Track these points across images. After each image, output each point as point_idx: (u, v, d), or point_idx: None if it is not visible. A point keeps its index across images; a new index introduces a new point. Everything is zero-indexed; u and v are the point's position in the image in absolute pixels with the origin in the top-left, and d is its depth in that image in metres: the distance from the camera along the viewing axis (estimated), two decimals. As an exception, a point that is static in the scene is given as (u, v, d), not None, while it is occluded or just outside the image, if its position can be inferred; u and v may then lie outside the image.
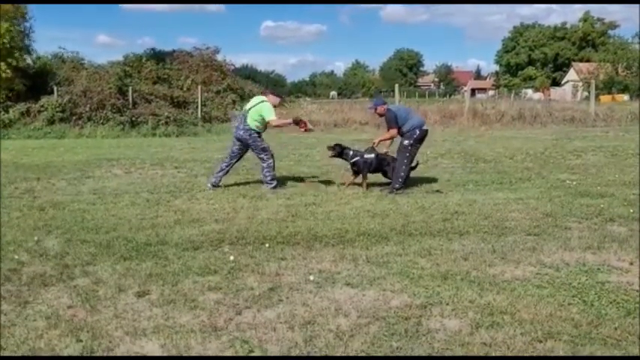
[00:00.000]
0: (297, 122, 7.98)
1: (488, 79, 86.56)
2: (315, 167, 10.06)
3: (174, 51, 29.54)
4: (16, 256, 4.56)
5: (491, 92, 66.35)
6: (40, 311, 3.49)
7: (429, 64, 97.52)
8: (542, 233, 5.21)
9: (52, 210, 6.43)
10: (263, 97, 7.96)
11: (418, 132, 7.54)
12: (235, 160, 8.00)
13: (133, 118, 20.52)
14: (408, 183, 7.66)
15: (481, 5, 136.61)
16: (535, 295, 3.65)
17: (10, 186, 8.18)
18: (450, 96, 61.99)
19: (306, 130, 8.12)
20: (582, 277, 3.98)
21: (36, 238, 5.11)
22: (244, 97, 25.78)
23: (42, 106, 20.88)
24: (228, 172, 8.03)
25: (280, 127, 8.79)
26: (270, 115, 7.63)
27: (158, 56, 28.74)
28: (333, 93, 77.03)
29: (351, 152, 7.92)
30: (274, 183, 7.73)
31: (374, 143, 7.91)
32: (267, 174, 7.75)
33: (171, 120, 20.63)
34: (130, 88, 22.00)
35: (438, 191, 7.43)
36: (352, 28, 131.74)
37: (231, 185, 8.03)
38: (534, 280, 3.94)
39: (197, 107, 22.40)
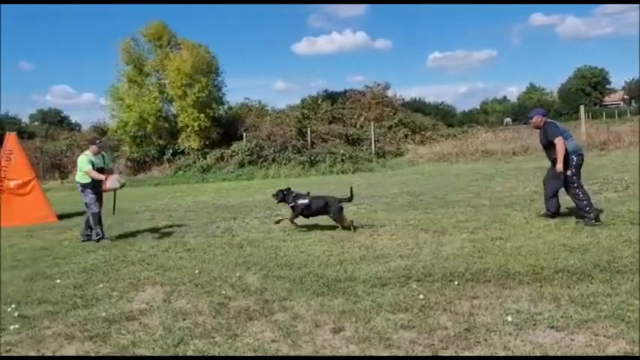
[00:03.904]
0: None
1: (693, 89, 75.70)
2: (496, 199, 9.62)
3: (346, 91, 30.99)
4: (223, 291, 5.01)
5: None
6: (247, 344, 3.75)
7: (617, 81, 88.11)
8: None
9: (249, 247, 6.98)
10: (85, 151, 8.14)
11: (576, 158, 6.97)
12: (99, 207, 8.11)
13: (312, 157, 21.82)
14: (606, 213, 6.92)
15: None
16: None
17: (211, 225, 9.09)
18: (645, 113, 55.36)
19: (105, 190, 8.03)
20: None
21: (238, 274, 5.57)
22: (415, 131, 25.99)
23: (233, 151, 23.29)
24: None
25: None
26: (84, 167, 7.88)
27: (331, 97, 30.43)
28: (507, 119, 73.39)
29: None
30: (82, 237, 8.15)
31: (560, 172, 6.92)
32: (89, 222, 8.07)
33: (346, 157, 21.49)
34: (309, 129, 23.47)
35: (645, 222, 6.60)
36: (525, 49, 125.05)
37: (411, 219, 8.00)
38: None
39: (371, 143, 23.01)
